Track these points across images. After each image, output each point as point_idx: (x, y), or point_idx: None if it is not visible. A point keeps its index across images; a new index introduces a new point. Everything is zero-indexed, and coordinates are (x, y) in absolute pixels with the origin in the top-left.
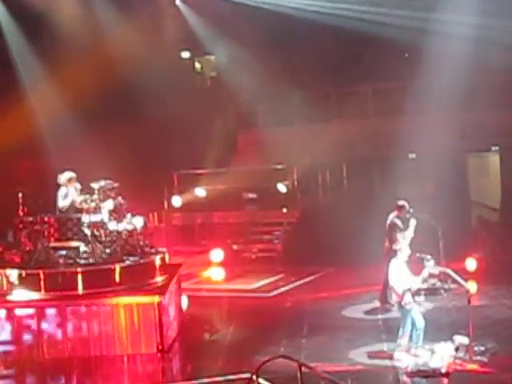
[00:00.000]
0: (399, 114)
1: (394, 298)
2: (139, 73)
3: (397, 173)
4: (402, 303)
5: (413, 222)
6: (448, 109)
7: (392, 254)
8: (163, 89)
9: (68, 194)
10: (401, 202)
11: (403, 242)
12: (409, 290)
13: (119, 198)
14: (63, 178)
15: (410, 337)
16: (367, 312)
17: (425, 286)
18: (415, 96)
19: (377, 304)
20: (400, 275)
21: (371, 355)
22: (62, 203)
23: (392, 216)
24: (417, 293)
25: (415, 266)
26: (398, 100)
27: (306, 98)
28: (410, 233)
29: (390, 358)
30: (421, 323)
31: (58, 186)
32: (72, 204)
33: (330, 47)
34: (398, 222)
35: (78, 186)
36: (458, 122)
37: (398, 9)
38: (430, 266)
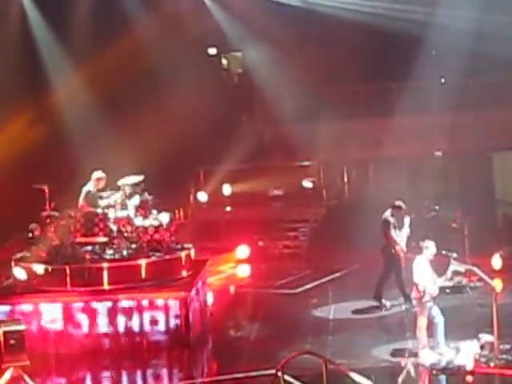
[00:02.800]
0: (425, 111)
1: (414, 295)
2: (166, 69)
3: (423, 171)
4: (423, 300)
5: (407, 220)
6: (474, 107)
7: (384, 250)
8: (190, 85)
9: (95, 193)
10: (398, 203)
11: (399, 240)
12: (429, 288)
13: (145, 194)
14: (94, 176)
15: (427, 333)
16: (392, 309)
17: (450, 283)
18: (441, 94)
19: (402, 301)
20: (423, 273)
21: (396, 352)
22: (103, 203)
23: (387, 214)
24: (440, 291)
25: (441, 263)
26: (424, 98)
27: (332, 95)
28: (405, 231)
29: (415, 355)
30: (440, 321)
31: (85, 181)
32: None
33: (357, 44)
34: (391, 220)
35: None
36: (484, 120)
37: (425, 6)
38: (455, 264)
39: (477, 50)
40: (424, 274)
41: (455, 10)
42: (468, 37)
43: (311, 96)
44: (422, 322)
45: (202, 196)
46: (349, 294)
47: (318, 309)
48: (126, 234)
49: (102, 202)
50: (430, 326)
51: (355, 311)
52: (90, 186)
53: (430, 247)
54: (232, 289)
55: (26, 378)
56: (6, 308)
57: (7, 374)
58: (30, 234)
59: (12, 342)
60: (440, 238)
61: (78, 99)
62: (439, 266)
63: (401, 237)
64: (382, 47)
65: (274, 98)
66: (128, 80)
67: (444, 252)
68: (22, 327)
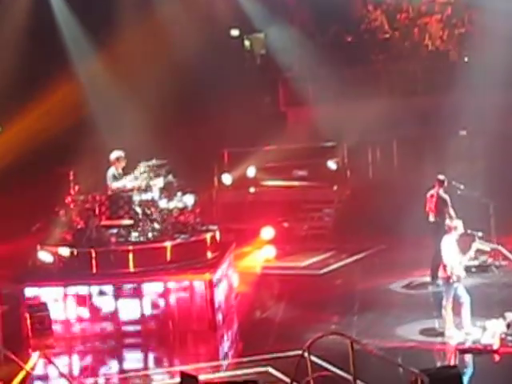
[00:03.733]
0: (450, 90)
1: (440, 274)
2: (188, 51)
3: (447, 150)
4: (450, 280)
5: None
6: (499, 85)
7: (436, 227)
8: (212, 67)
9: (119, 174)
10: (441, 177)
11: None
12: (457, 267)
13: (170, 176)
14: (112, 156)
15: (453, 312)
16: (418, 289)
17: (476, 262)
18: (466, 72)
19: (427, 280)
20: (451, 252)
21: (422, 332)
22: (116, 184)
23: (440, 191)
24: (465, 270)
25: (466, 242)
26: (448, 76)
27: (355, 74)
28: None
29: (442, 334)
30: (466, 300)
31: (109, 164)
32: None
33: (381, 23)
34: (447, 197)
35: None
36: (508, 98)
37: None
38: (479, 243)
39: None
40: (452, 254)
41: None
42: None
43: (334, 76)
44: (448, 301)
45: (227, 178)
46: (374, 274)
47: (343, 289)
48: (151, 217)
49: (127, 184)
50: (456, 306)
51: (381, 291)
52: (113, 169)
53: (458, 226)
54: (257, 270)
55: (53, 361)
56: (32, 291)
57: (34, 358)
58: (56, 218)
59: (38, 326)
60: (465, 218)
61: (101, 81)
62: (464, 245)
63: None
64: (404, 26)
65: (297, 79)
66: (150, 62)
67: (469, 231)
68: (48, 311)
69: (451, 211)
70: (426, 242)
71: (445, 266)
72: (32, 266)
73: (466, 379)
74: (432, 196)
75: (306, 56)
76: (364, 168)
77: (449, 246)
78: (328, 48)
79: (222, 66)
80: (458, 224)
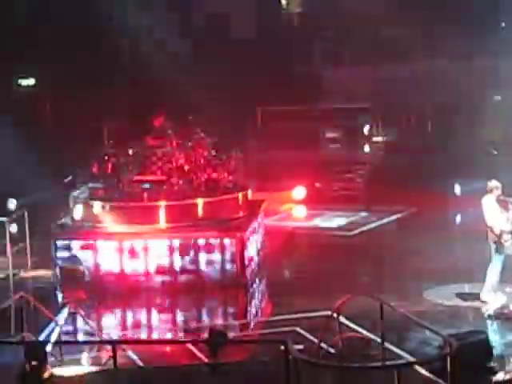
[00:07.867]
0: (486, 55)
1: (490, 238)
2: (224, 9)
3: (482, 115)
4: (502, 240)
5: None
6: None
7: None
8: (249, 25)
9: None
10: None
11: None
12: (504, 226)
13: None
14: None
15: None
16: (449, 252)
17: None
18: (503, 37)
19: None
20: (495, 213)
21: (452, 296)
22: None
23: None
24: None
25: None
26: (484, 42)
27: (394, 36)
28: None
29: (471, 299)
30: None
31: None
32: None
33: None
34: None
35: None
36: None
37: None
38: None
39: None
40: (496, 214)
41: None
42: None
43: (372, 38)
44: (495, 264)
45: (259, 138)
46: (405, 237)
47: (373, 251)
48: (183, 173)
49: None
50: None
51: (411, 253)
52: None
53: (498, 187)
54: (288, 230)
55: (82, 314)
56: (65, 244)
57: (65, 310)
58: (89, 172)
59: (70, 279)
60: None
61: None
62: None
63: None
64: None
65: (333, 39)
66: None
67: (502, 197)
68: (80, 264)
69: None
70: (458, 205)
71: (492, 229)
72: (64, 219)
73: (494, 344)
74: None
75: (342, 16)
76: (398, 130)
77: (490, 207)
78: (365, 7)
79: (258, 25)
80: (498, 184)
